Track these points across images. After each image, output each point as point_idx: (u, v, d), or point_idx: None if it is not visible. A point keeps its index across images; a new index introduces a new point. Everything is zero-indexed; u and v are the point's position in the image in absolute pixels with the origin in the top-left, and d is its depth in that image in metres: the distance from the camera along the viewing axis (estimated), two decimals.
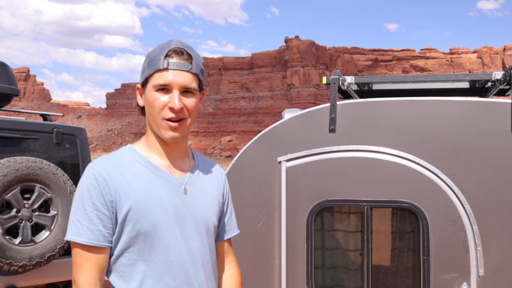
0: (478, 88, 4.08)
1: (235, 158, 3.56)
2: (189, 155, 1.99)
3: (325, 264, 3.43)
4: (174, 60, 1.79)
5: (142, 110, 1.90)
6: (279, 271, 3.39)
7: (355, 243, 3.39)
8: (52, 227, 4.50)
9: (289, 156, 3.41)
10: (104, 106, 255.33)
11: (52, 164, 4.56)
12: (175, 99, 1.77)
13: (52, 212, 4.53)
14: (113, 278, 1.80)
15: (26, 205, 4.37)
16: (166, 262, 1.79)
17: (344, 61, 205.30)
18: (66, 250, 4.60)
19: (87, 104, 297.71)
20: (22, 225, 4.35)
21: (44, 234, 4.48)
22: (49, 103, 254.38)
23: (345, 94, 4.14)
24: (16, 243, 4.29)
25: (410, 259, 3.34)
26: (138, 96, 1.91)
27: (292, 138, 3.44)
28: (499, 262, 3.13)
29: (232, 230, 2.12)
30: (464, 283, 3.15)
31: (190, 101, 1.82)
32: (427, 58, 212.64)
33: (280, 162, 3.42)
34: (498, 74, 3.49)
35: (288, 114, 3.52)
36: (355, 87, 3.96)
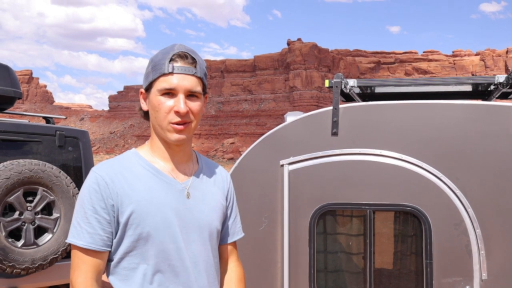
0: (481, 91, 4.08)
1: (237, 161, 3.56)
2: (193, 158, 1.99)
3: (327, 268, 3.43)
4: (178, 64, 1.79)
5: (145, 114, 1.91)
6: (281, 274, 3.39)
7: (358, 246, 3.38)
8: (54, 230, 4.50)
9: (292, 159, 3.40)
10: (106, 108, 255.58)
11: (55, 167, 4.56)
12: (180, 103, 1.77)
13: (55, 215, 4.54)
14: (114, 281, 1.80)
15: (29, 208, 4.38)
16: (167, 267, 1.79)
17: (346, 64, 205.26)
18: (69, 252, 4.60)
19: (90, 107, 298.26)
20: (24, 227, 4.35)
21: (47, 236, 4.49)
22: (51, 105, 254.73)
23: (348, 97, 4.13)
24: (19, 245, 4.30)
25: (412, 262, 3.33)
26: (142, 101, 1.91)
27: (294, 141, 3.44)
28: (502, 266, 3.12)
29: (236, 233, 2.11)
30: (467, 287, 3.14)
31: (195, 105, 1.82)
32: (430, 60, 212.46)
33: (282, 165, 3.42)
34: (501, 78, 3.48)
35: (291, 117, 3.52)
36: (357, 90, 3.96)
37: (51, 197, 4.50)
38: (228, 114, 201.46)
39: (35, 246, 4.39)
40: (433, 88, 4.00)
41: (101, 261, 1.78)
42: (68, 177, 4.64)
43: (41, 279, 4.60)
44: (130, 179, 1.80)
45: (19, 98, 5.24)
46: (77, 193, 4.63)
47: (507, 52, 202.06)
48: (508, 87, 3.42)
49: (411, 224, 3.30)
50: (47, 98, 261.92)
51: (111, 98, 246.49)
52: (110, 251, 1.80)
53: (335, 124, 3.37)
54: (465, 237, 3.15)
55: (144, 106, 1.90)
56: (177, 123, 1.80)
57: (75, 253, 1.77)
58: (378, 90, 4.06)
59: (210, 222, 1.92)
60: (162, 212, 1.79)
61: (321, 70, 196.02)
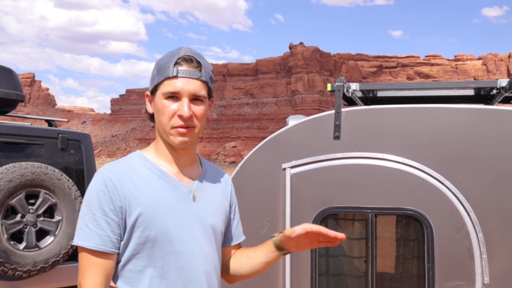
0: (483, 96, 4.08)
1: (239, 165, 3.56)
2: (197, 162, 1.99)
3: (329, 271, 3.42)
4: (183, 67, 1.79)
5: (151, 117, 1.90)
6: (283, 278, 3.39)
7: (360, 250, 3.38)
8: (56, 233, 4.50)
9: (294, 162, 3.41)
10: (108, 111, 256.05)
11: (57, 170, 4.56)
12: (184, 107, 1.77)
13: (57, 218, 4.53)
14: (120, 284, 1.79)
15: (30, 211, 4.38)
16: (173, 269, 1.78)
17: (348, 68, 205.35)
18: (71, 255, 4.60)
19: (92, 110, 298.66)
20: (26, 230, 4.35)
21: (49, 239, 4.48)
22: (54, 108, 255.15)
23: (350, 101, 4.14)
24: (21, 248, 4.30)
25: (414, 266, 3.32)
26: (148, 103, 1.91)
27: (296, 145, 3.44)
28: (504, 270, 3.11)
29: (238, 236, 2.12)
30: None
31: (199, 109, 1.82)
32: (432, 64, 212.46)
33: (284, 169, 3.42)
34: (503, 82, 3.49)
35: (293, 121, 3.52)
36: (359, 94, 3.97)
37: (53, 200, 4.50)
38: (230, 118, 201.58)
39: (37, 248, 4.38)
40: (435, 92, 4.00)
41: (111, 264, 1.76)
42: (70, 180, 4.64)
43: (42, 281, 4.59)
44: (137, 181, 1.80)
45: (22, 101, 5.25)
46: (79, 196, 4.64)
47: (509, 56, 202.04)
48: (510, 91, 3.42)
49: (413, 228, 3.30)
50: (49, 101, 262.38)
51: (113, 102, 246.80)
52: (118, 253, 1.79)
53: (337, 127, 3.37)
54: (467, 241, 3.15)
55: (150, 109, 1.90)
56: (181, 127, 1.79)
57: (83, 256, 1.75)
58: (380, 94, 4.06)
59: (216, 224, 1.92)
60: (169, 214, 1.79)
61: (323, 74, 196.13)
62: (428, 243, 3.19)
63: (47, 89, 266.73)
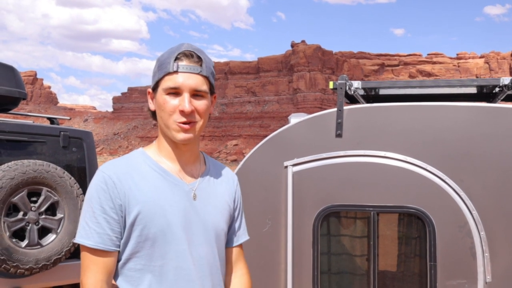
0: (486, 94, 4.07)
1: (241, 163, 3.56)
2: (200, 159, 1.97)
3: (331, 270, 3.42)
4: (183, 63, 1.78)
5: (154, 114, 1.89)
6: (285, 276, 3.38)
7: (362, 248, 3.38)
8: (58, 230, 4.51)
9: (296, 160, 3.40)
10: (110, 109, 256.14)
11: (59, 168, 4.57)
12: (185, 102, 1.76)
13: (59, 215, 4.54)
14: (120, 283, 1.79)
15: (33, 208, 4.39)
16: (173, 269, 1.78)
17: (350, 66, 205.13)
18: (73, 253, 4.61)
19: (94, 108, 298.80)
20: (28, 228, 4.36)
21: (51, 237, 4.49)
22: (56, 106, 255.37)
23: (352, 99, 4.13)
24: (23, 246, 4.30)
25: (416, 265, 3.32)
26: (150, 101, 1.90)
27: (298, 143, 3.43)
28: (506, 269, 3.11)
29: (242, 236, 2.09)
30: None
31: (200, 104, 1.80)
32: (434, 63, 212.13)
33: (286, 167, 3.41)
34: (506, 80, 3.48)
35: (295, 119, 3.52)
36: (361, 92, 3.96)
37: (55, 198, 4.51)
38: (231, 116, 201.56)
39: (39, 246, 4.39)
40: (437, 90, 3.99)
41: (111, 262, 1.77)
42: (72, 178, 4.65)
43: (44, 279, 4.60)
44: (137, 179, 1.79)
45: (24, 99, 5.25)
46: (81, 194, 4.64)
47: (511, 55, 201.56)
48: None
49: (415, 226, 3.29)
50: (51, 99, 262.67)
51: (115, 100, 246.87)
52: (118, 252, 1.79)
53: (339, 125, 3.37)
54: (469, 239, 3.14)
55: (152, 106, 1.88)
56: (183, 122, 1.78)
57: (84, 254, 1.76)
58: (382, 92, 4.05)
59: (217, 224, 1.90)
60: (168, 213, 1.78)
61: (325, 72, 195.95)
62: (430, 241, 3.18)
63: (49, 87, 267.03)
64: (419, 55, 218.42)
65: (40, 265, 4.36)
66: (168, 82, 1.77)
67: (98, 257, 1.74)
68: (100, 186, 1.76)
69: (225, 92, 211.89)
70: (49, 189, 4.47)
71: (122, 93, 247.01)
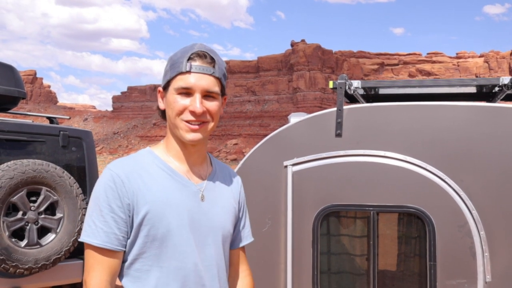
0: (485, 93, 4.07)
1: (241, 162, 3.56)
2: (207, 161, 1.96)
3: (331, 269, 3.42)
4: (197, 63, 1.75)
5: (163, 113, 1.87)
6: (284, 276, 3.38)
7: (361, 248, 3.38)
8: (58, 230, 4.51)
9: (295, 160, 3.40)
10: (110, 109, 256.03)
11: (58, 167, 4.57)
12: (197, 102, 1.74)
13: (58, 215, 4.54)
14: (126, 283, 1.76)
15: (32, 208, 4.39)
16: (180, 270, 1.75)
17: (350, 65, 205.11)
18: (72, 253, 4.61)
19: (93, 107, 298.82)
20: (28, 227, 4.36)
21: (50, 236, 4.49)
22: (55, 105, 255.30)
23: (352, 99, 4.13)
24: (22, 245, 4.30)
25: (416, 264, 3.32)
26: (160, 99, 1.87)
27: (298, 142, 3.43)
28: (506, 268, 3.11)
29: (246, 237, 2.08)
30: None
31: (212, 105, 1.79)
32: (434, 62, 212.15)
33: (286, 166, 3.41)
34: (506, 79, 3.48)
35: (295, 118, 3.51)
36: (361, 92, 3.96)
37: (55, 197, 4.50)
38: (231, 115, 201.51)
39: (38, 246, 4.39)
40: (437, 89, 3.99)
41: (117, 262, 1.74)
42: (72, 177, 4.64)
43: (44, 279, 4.60)
44: (146, 178, 1.76)
45: (23, 98, 5.25)
46: (81, 193, 4.64)
47: (511, 54, 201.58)
48: None
49: (415, 225, 3.29)
50: (51, 98, 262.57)
51: (115, 99, 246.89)
52: (124, 252, 1.76)
53: (339, 125, 3.36)
54: (469, 239, 3.14)
55: (162, 105, 1.86)
56: (191, 122, 1.76)
57: (89, 253, 1.73)
58: (382, 91, 4.05)
59: (224, 225, 1.89)
60: (177, 214, 1.75)
61: (325, 71, 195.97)
62: (430, 241, 3.18)
63: (49, 87, 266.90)
64: (419, 54, 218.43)
65: (40, 265, 4.36)
66: (180, 81, 1.75)
67: (104, 256, 1.71)
68: (108, 184, 1.72)
69: None
70: (49, 189, 4.47)
71: (122, 92, 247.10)
